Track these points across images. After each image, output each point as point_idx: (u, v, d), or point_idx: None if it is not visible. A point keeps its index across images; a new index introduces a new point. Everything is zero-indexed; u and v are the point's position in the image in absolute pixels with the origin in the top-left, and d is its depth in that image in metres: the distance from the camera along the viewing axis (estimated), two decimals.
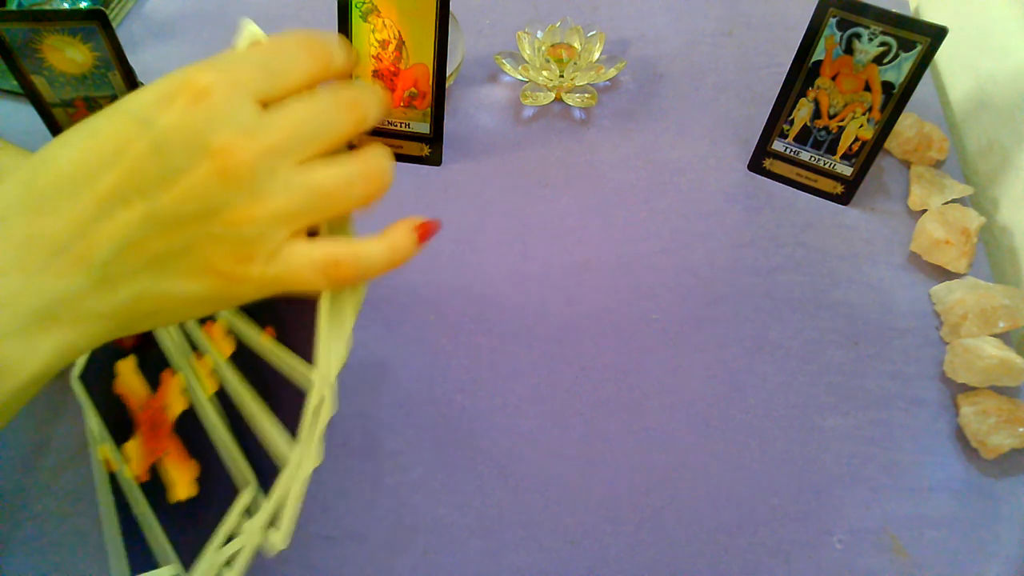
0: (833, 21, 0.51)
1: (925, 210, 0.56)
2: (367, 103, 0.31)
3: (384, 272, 0.31)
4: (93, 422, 0.43)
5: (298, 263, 0.29)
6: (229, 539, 0.34)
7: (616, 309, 0.52)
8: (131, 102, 0.28)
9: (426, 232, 0.32)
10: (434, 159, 0.58)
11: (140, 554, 0.38)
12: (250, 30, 0.32)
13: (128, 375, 0.42)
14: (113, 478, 0.41)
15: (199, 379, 0.38)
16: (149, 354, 0.41)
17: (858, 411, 0.48)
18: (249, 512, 0.34)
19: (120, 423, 0.41)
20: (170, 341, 0.40)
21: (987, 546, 0.44)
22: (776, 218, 0.57)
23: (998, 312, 0.49)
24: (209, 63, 0.28)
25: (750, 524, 0.44)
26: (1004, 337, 0.50)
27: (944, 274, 0.54)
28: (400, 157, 0.58)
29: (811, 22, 0.51)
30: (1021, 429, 0.46)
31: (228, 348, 0.37)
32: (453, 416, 0.47)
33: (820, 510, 0.45)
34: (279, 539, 0.32)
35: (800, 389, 0.49)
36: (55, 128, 0.55)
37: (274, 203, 0.28)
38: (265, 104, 0.28)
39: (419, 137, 0.57)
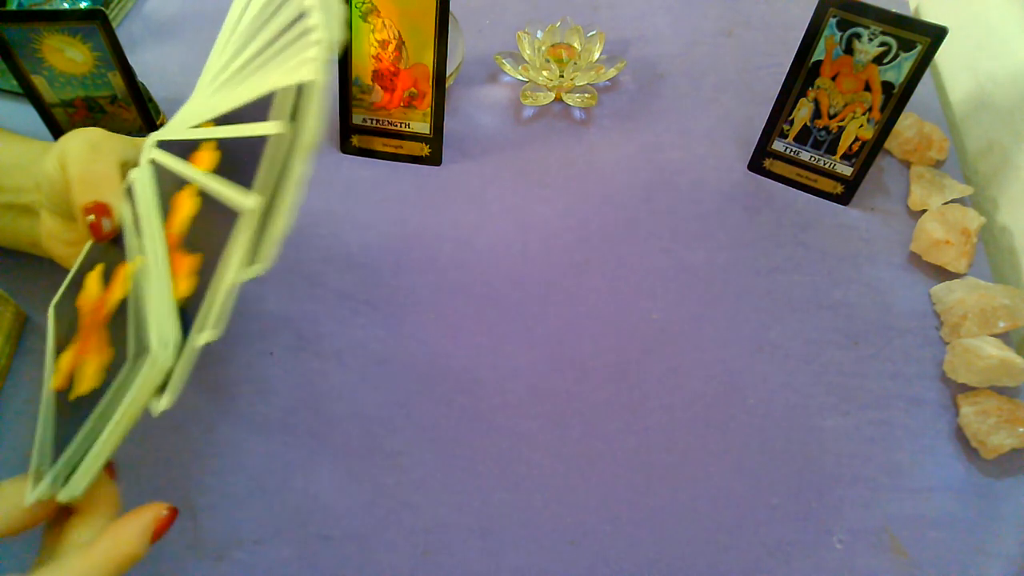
0: (833, 21, 0.51)
1: (925, 210, 0.56)
2: None
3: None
4: (49, 348, 0.39)
5: None
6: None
7: (616, 309, 0.52)
8: None
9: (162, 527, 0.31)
10: (434, 159, 0.58)
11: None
12: None
13: (91, 284, 0.38)
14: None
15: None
16: (115, 254, 0.37)
17: (858, 411, 0.48)
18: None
19: (68, 338, 0.37)
20: (130, 220, 0.37)
21: (987, 546, 0.44)
22: (776, 218, 0.57)
23: (998, 312, 0.49)
24: None
25: (750, 524, 0.44)
26: (1004, 337, 0.50)
27: (944, 274, 0.54)
28: (400, 157, 0.58)
29: (811, 22, 0.51)
30: (1021, 429, 0.46)
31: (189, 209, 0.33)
32: (453, 416, 0.47)
33: (820, 510, 0.45)
34: (165, 402, 0.29)
35: (800, 389, 0.49)
36: (55, 128, 0.55)
37: None
38: None
39: (419, 137, 0.57)
